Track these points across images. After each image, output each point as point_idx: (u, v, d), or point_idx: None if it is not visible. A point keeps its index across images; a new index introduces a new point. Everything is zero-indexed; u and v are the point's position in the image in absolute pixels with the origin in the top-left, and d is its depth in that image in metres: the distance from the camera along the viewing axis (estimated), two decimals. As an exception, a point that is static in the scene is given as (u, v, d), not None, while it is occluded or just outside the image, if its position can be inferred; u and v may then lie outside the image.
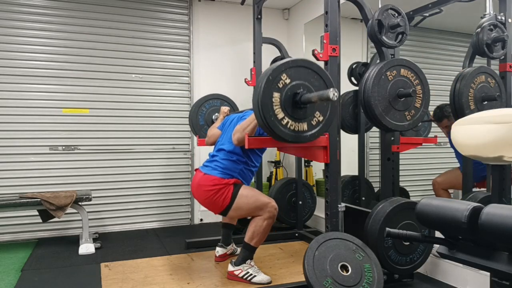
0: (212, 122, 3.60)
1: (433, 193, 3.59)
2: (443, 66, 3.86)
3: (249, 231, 2.63)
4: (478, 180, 3.13)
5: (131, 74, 4.16)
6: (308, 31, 4.47)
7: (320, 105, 2.20)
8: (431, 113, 3.33)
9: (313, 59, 2.35)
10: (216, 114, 3.55)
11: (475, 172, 3.04)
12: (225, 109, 3.24)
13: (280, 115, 2.09)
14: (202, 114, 3.66)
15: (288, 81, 2.10)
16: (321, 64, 2.39)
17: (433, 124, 3.57)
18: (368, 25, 2.51)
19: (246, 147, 2.35)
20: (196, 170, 2.81)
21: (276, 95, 2.07)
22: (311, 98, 2.05)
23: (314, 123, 2.20)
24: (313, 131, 2.20)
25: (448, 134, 3.30)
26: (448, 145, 3.45)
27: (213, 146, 2.94)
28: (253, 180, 3.79)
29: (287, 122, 2.12)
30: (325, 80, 2.20)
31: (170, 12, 4.32)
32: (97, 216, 4.02)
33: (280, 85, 2.08)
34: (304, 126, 2.17)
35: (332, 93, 1.92)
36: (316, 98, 2.02)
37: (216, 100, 3.72)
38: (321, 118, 2.22)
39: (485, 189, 3.11)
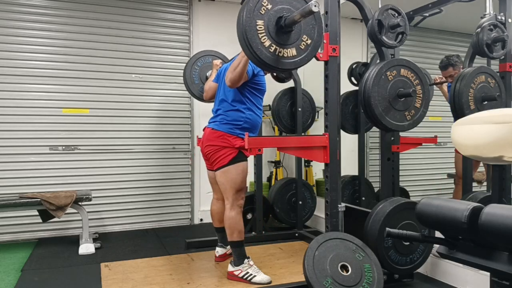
0: (206, 78, 3.55)
1: (433, 193, 3.60)
2: (443, 66, 3.85)
3: (226, 229, 2.68)
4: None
5: (131, 74, 4.15)
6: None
7: (306, 28, 2.14)
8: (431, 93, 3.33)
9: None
10: (210, 71, 3.52)
11: None
12: (217, 62, 3.23)
13: (267, 42, 2.04)
14: (196, 74, 3.62)
15: (269, 6, 2.04)
16: (321, 64, 2.40)
17: (433, 123, 3.58)
18: (368, 25, 2.51)
19: (246, 147, 2.35)
20: (204, 128, 2.83)
21: (260, 22, 2.02)
22: (294, 17, 1.99)
23: (302, 47, 2.15)
24: (303, 55, 2.16)
25: (448, 88, 3.30)
26: (448, 145, 3.46)
27: (212, 104, 2.93)
28: (253, 180, 3.80)
29: (275, 49, 2.07)
30: (307, 1, 2.13)
31: (170, 12, 4.32)
32: (97, 216, 4.02)
33: (263, 11, 2.03)
34: (293, 51, 2.13)
35: (313, 6, 1.87)
36: (298, 15, 1.97)
37: (207, 57, 3.66)
38: (309, 41, 2.17)
39: (485, 183, 3.10)
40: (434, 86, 3.54)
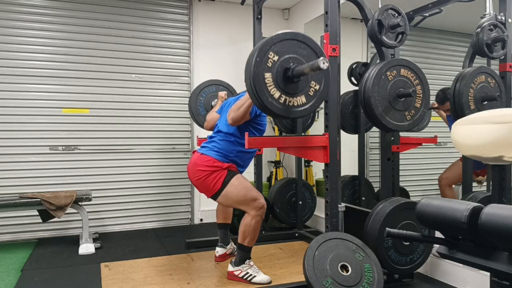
0: (211, 107, 3.58)
1: (433, 193, 3.59)
2: (443, 66, 3.86)
3: (240, 232, 2.64)
4: (479, 168, 3.12)
5: (131, 74, 4.15)
6: (308, 31, 4.46)
7: (314, 74, 2.16)
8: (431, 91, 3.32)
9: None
10: (215, 100, 3.54)
11: (475, 162, 3.03)
12: (222, 93, 3.23)
13: (276, 94, 2.06)
14: (201, 104, 3.65)
15: (276, 58, 2.05)
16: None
17: (433, 123, 3.58)
18: (368, 25, 2.51)
19: (246, 147, 2.35)
20: (193, 151, 2.79)
21: (268, 75, 2.03)
22: (303, 70, 2.01)
23: (311, 93, 2.17)
24: (313, 102, 2.17)
25: (448, 118, 3.31)
26: (448, 145, 3.46)
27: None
28: (253, 180, 3.80)
29: (285, 100, 2.08)
30: (313, 48, 2.15)
31: (170, 12, 4.32)
32: (97, 216, 4.02)
33: (270, 64, 2.04)
34: (302, 99, 2.14)
35: (321, 62, 1.89)
36: (307, 69, 1.98)
37: (211, 87, 3.70)
38: (317, 87, 2.18)
39: (485, 183, 3.11)
40: (434, 85, 3.53)
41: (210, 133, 2.89)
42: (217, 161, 2.59)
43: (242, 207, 2.61)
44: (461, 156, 3.27)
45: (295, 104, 2.12)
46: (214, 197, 2.63)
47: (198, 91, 3.67)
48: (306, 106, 2.15)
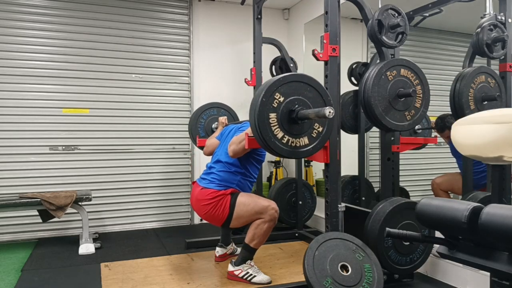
0: (212, 131, 3.60)
1: (433, 193, 3.59)
2: (443, 66, 3.86)
3: (249, 233, 2.62)
4: (478, 187, 3.13)
5: (131, 74, 4.16)
6: (308, 31, 4.47)
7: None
8: (432, 120, 3.33)
9: (312, 59, 2.35)
10: (216, 123, 3.55)
11: (475, 180, 3.05)
12: (222, 119, 3.25)
13: (280, 134, 2.10)
14: (201, 126, 3.66)
15: (282, 99, 2.09)
16: (321, 64, 2.40)
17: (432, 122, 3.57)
18: (368, 25, 2.51)
19: (246, 147, 2.35)
20: (193, 183, 2.79)
21: (273, 115, 2.07)
22: (308, 115, 2.05)
23: (314, 135, 2.20)
24: (315, 143, 2.21)
25: (449, 143, 3.30)
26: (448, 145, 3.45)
27: (210, 157, 2.93)
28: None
29: (288, 140, 2.12)
30: (319, 91, 2.19)
31: (170, 12, 4.32)
32: (97, 216, 4.02)
33: (275, 105, 2.08)
34: (305, 140, 2.18)
35: (328, 111, 1.92)
36: (313, 115, 2.02)
37: (212, 109, 3.72)
38: (320, 129, 2.22)
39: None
40: (434, 85, 3.53)
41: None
42: (218, 191, 2.60)
43: (257, 217, 2.59)
44: (459, 172, 3.27)
45: (298, 145, 2.15)
46: (226, 223, 2.63)
47: (199, 113, 3.68)
48: (308, 148, 2.19)
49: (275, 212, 2.60)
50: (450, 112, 2.62)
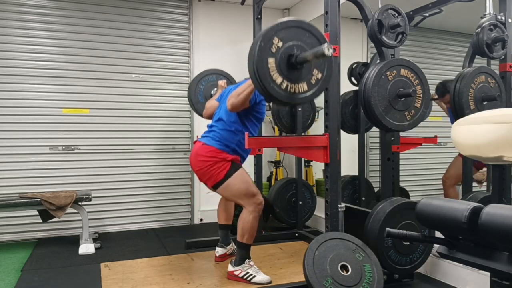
0: (211, 96, 3.57)
1: (433, 193, 3.59)
2: (443, 66, 3.86)
3: (238, 229, 2.64)
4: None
5: (131, 74, 4.15)
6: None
7: (317, 62, 2.16)
8: (431, 92, 3.33)
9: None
10: (215, 89, 3.54)
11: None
12: (222, 82, 3.24)
13: (279, 79, 2.06)
14: (200, 92, 3.65)
15: (280, 44, 2.05)
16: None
17: (433, 123, 3.57)
18: (368, 25, 2.51)
19: (246, 147, 2.35)
20: (195, 141, 2.80)
21: (271, 60, 2.03)
22: (306, 57, 2.01)
23: (313, 81, 2.17)
24: (314, 90, 2.17)
25: (449, 110, 3.31)
26: (448, 145, 3.45)
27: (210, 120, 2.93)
28: (253, 180, 3.80)
29: (287, 86, 2.08)
30: (318, 37, 2.15)
31: (170, 12, 4.31)
32: (97, 216, 4.02)
33: (274, 50, 2.04)
34: (304, 86, 2.14)
35: (326, 49, 1.89)
36: (311, 56, 1.98)
37: (211, 76, 3.70)
38: (319, 76, 2.18)
39: (485, 183, 3.10)
40: (434, 85, 3.54)
41: (210, 121, 2.89)
42: (219, 151, 2.60)
43: (241, 201, 2.63)
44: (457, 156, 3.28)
45: (297, 91, 2.12)
46: (216, 186, 2.64)
47: (198, 79, 3.66)
48: (307, 94, 2.16)
49: (259, 203, 2.64)
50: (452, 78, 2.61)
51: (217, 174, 2.58)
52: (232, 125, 2.66)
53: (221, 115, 2.73)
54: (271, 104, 3.75)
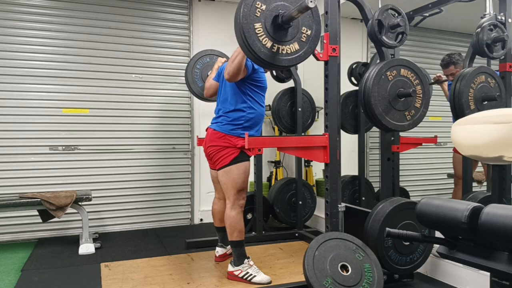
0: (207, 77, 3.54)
1: (433, 193, 3.60)
2: (443, 66, 3.85)
3: (227, 229, 2.69)
4: None
5: (131, 74, 4.15)
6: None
7: (304, 19, 2.14)
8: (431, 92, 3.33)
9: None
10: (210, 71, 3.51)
11: None
12: (222, 59, 3.19)
13: (269, 43, 2.04)
14: (197, 76, 3.62)
15: (264, 7, 2.03)
16: (321, 64, 2.40)
17: (433, 123, 3.57)
18: (368, 25, 2.51)
19: (246, 147, 2.35)
20: (207, 129, 2.85)
21: (258, 25, 2.01)
22: (292, 14, 1.99)
23: (304, 39, 2.15)
24: (306, 48, 2.16)
25: (448, 84, 3.31)
26: (448, 145, 3.45)
27: (214, 104, 2.94)
28: (253, 180, 3.80)
29: (278, 48, 2.07)
30: None
31: (170, 12, 4.31)
32: (97, 216, 4.02)
33: (258, 14, 2.02)
34: (295, 46, 2.12)
35: (309, 2, 1.86)
36: (295, 12, 1.96)
37: (208, 57, 3.65)
38: (309, 32, 2.16)
39: (485, 183, 3.10)
40: (434, 85, 3.54)
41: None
42: (230, 136, 2.65)
43: (230, 191, 2.66)
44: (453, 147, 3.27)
45: (289, 51, 2.10)
46: (220, 169, 2.70)
47: (195, 61, 3.61)
48: (299, 53, 2.14)
49: (242, 202, 2.71)
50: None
51: (224, 158, 2.65)
52: (237, 103, 2.68)
53: (224, 96, 2.77)
54: (273, 71, 3.70)
